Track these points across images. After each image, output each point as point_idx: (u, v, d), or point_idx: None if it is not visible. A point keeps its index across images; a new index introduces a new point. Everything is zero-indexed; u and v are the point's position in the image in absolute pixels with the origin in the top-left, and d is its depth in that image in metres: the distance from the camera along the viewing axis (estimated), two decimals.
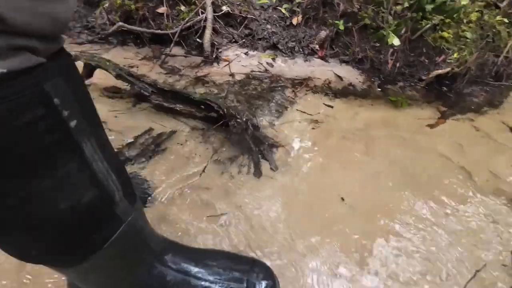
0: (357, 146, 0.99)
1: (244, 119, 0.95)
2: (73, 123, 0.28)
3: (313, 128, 1.05)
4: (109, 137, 0.36)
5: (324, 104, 1.18)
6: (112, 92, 1.09)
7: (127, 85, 1.05)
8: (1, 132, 0.24)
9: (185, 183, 0.81)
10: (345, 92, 1.26)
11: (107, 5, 1.34)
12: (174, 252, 0.49)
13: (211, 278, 0.49)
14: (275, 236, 0.70)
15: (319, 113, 1.12)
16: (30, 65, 0.24)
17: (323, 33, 1.47)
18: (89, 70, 1.05)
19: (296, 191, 0.82)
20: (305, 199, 0.79)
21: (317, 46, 1.46)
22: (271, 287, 0.52)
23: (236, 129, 0.94)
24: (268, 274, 0.54)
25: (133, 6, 1.31)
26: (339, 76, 1.36)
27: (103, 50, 1.29)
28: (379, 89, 1.33)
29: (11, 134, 0.24)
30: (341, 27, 1.42)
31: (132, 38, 1.35)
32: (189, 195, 0.78)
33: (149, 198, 0.77)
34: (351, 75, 1.39)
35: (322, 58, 1.45)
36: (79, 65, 0.96)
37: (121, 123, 0.97)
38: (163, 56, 1.29)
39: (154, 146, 0.91)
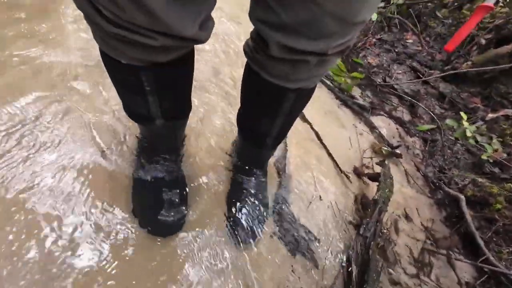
0: None
1: None
2: (147, 88, 0.54)
3: None
4: None
5: None
6: (361, 209, 1.02)
7: (368, 211, 0.93)
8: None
9: None
10: None
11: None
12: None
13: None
14: None
15: None
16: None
17: None
18: (375, 176, 1.03)
19: None
20: None
21: None
22: None
23: None
24: None
25: (498, 206, 1.01)
26: None
27: (426, 198, 1.16)
28: None
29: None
30: None
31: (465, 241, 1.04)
32: None
33: None
34: None
35: None
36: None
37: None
38: (450, 252, 0.96)
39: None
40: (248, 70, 0.62)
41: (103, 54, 0.50)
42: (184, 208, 0.75)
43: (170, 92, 0.59)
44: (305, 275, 0.76)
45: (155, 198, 0.72)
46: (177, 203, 0.74)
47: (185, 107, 0.68)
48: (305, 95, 0.62)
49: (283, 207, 0.90)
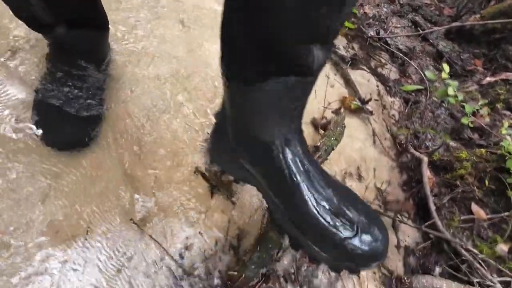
0: None
1: None
2: None
3: None
4: None
5: None
6: None
7: None
8: None
9: None
10: None
11: None
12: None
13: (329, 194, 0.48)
14: None
15: None
16: None
17: None
18: (326, 125, 0.93)
19: None
20: None
21: None
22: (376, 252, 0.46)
23: None
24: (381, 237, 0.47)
25: None
26: None
27: (388, 160, 1.06)
28: None
29: None
30: None
31: None
32: None
33: None
34: None
35: None
36: None
37: None
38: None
39: None
40: None
41: None
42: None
43: None
44: None
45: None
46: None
47: (87, 12, 0.60)
48: None
49: None
